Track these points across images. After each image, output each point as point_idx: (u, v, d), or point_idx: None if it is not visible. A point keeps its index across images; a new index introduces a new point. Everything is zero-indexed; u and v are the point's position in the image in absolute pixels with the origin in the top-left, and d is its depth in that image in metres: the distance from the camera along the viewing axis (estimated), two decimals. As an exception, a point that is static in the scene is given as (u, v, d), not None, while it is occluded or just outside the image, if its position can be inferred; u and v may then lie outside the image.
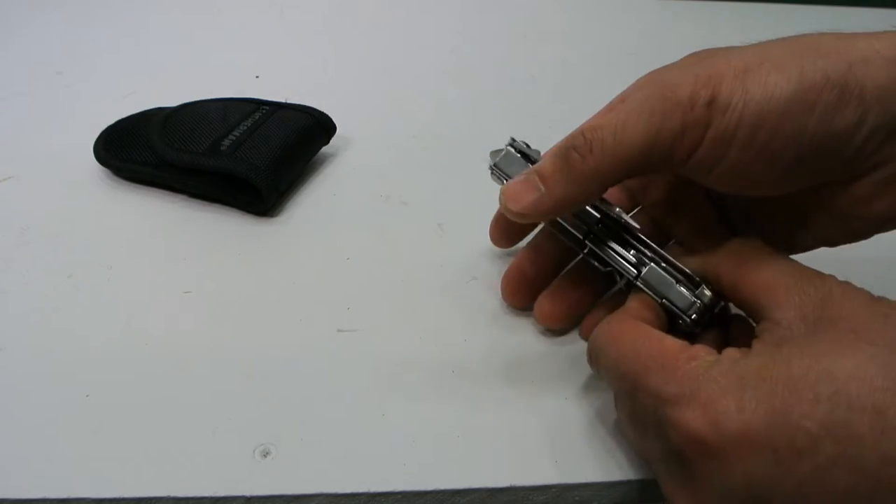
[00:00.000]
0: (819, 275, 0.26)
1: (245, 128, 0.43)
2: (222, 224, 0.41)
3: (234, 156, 0.40)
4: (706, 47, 0.33)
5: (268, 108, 0.45)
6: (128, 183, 0.43)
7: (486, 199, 0.43)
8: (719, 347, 0.26)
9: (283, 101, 0.46)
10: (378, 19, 0.64)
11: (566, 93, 0.53)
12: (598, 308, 0.34)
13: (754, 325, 0.27)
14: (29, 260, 0.38)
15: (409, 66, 0.57)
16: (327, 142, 0.46)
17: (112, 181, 0.44)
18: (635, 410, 0.26)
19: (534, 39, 0.60)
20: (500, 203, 0.30)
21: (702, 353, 0.25)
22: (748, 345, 0.25)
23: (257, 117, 0.44)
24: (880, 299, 0.25)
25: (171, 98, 0.46)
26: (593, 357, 0.29)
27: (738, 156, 0.27)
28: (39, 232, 0.40)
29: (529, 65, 0.56)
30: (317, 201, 0.43)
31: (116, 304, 0.35)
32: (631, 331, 0.27)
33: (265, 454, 0.29)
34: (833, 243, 0.31)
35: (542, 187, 0.29)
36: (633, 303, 0.30)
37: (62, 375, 0.32)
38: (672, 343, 0.26)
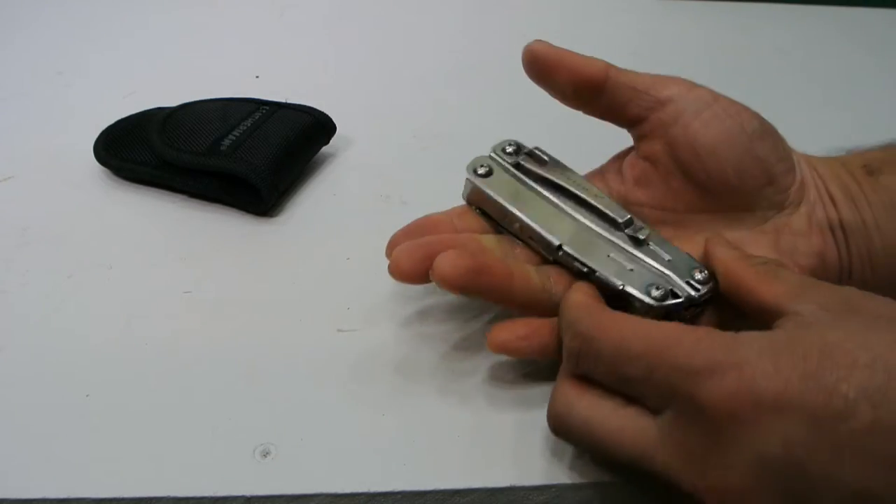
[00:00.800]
0: (839, 285, 0.26)
1: (245, 128, 0.43)
2: (222, 224, 0.41)
3: (234, 156, 0.40)
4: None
5: (268, 108, 0.45)
6: (128, 183, 0.43)
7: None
8: None
9: (283, 101, 0.46)
10: (378, 19, 0.64)
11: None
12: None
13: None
14: (29, 260, 0.38)
15: (409, 66, 0.57)
16: (327, 142, 0.46)
17: (112, 181, 0.44)
18: (647, 391, 0.25)
19: (534, 39, 0.60)
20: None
21: (714, 331, 0.25)
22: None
23: (257, 117, 0.44)
24: None
25: (171, 98, 0.46)
26: (581, 353, 0.27)
27: None
28: (39, 232, 0.40)
29: (529, 65, 0.56)
30: (317, 201, 0.43)
31: (116, 304, 0.35)
32: (623, 317, 0.27)
33: (265, 454, 0.29)
34: None
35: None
36: (582, 296, 0.29)
37: (62, 375, 0.32)
38: (676, 325, 0.26)
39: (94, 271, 0.37)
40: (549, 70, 0.33)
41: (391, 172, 0.45)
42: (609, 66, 0.33)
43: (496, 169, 0.35)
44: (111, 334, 0.34)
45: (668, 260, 0.31)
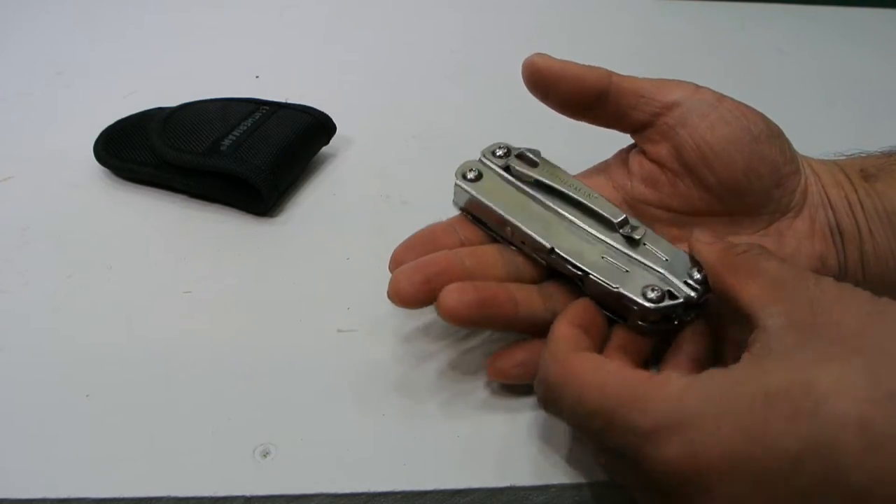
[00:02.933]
0: (814, 276, 0.26)
1: (245, 128, 0.43)
2: (222, 224, 0.41)
3: (234, 156, 0.40)
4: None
5: (268, 108, 0.45)
6: (128, 183, 0.43)
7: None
8: (705, 359, 0.27)
9: (283, 101, 0.46)
10: (378, 19, 0.64)
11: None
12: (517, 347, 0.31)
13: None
14: (29, 260, 0.38)
15: (409, 66, 0.57)
16: (327, 142, 0.46)
17: (112, 181, 0.44)
18: (608, 446, 0.25)
19: (534, 39, 0.60)
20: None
21: (673, 377, 0.24)
22: (738, 356, 0.25)
23: (257, 117, 0.44)
24: (880, 299, 0.24)
25: (171, 98, 0.46)
26: (548, 401, 0.27)
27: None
28: (39, 232, 0.40)
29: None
30: (317, 201, 0.43)
31: (116, 304, 0.35)
32: (587, 363, 0.26)
33: (265, 454, 0.29)
34: None
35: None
36: (564, 329, 0.28)
37: (62, 375, 0.32)
38: (636, 372, 0.25)
39: (94, 271, 0.37)
40: (551, 83, 0.33)
41: (391, 172, 0.45)
42: (611, 73, 0.33)
43: (486, 173, 0.34)
44: (111, 334, 0.34)
45: (665, 260, 0.31)
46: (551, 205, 0.33)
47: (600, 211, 0.32)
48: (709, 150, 0.31)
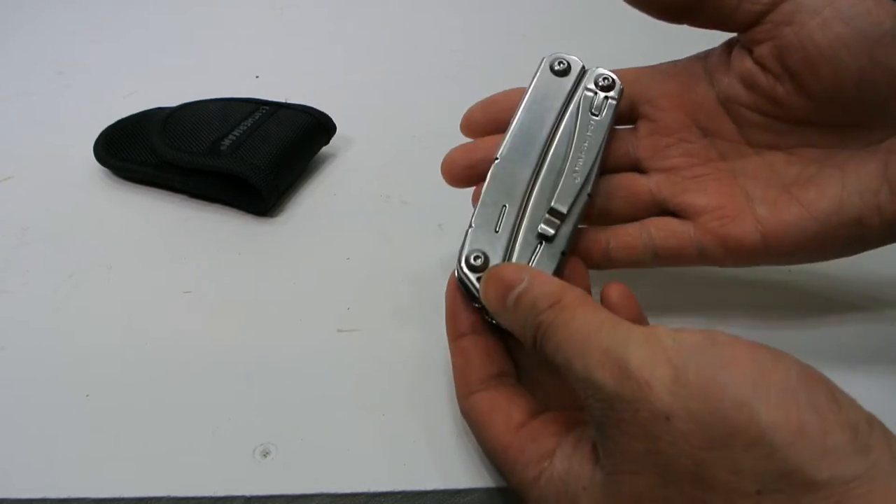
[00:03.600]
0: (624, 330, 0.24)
1: (245, 128, 0.43)
2: (222, 224, 0.41)
3: (234, 156, 0.40)
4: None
5: (268, 108, 0.45)
6: (128, 183, 0.43)
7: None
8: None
9: (283, 101, 0.46)
10: (378, 19, 0.64)
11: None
12: None
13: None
14: (29, 260, 0.38)
15: (410, 66, 0.57)
16: (327, 142, 0.46)
17: (112, 181, 0.44)
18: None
19: (534, 39, 0.60)
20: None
21: (536, 455, 0.25)
22: None
23: (257, 117, 0.44)
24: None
25: (171, 98, 0.46)
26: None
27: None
28: (39, 232, 0.40)
29: (529, 65, 0.56)
30: (317, 201, 0.43)
31: (116, 304, 0.35)
32: (482, 406, 0.27)
33: (265, 454, 0.29)
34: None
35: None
36: (461, 367, 0.29)
37: (62, 375, 0.32)
38: (512, 438, 0.26)
39: (94, 271, 0.37)
40: None
41: (391, 172, 0.45)
42: None
43: None
44: (111, 334, 0.34)
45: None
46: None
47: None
48: (816, 52, 0.28)
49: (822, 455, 0.19)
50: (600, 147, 0.31)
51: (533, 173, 0.31)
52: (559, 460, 0.24)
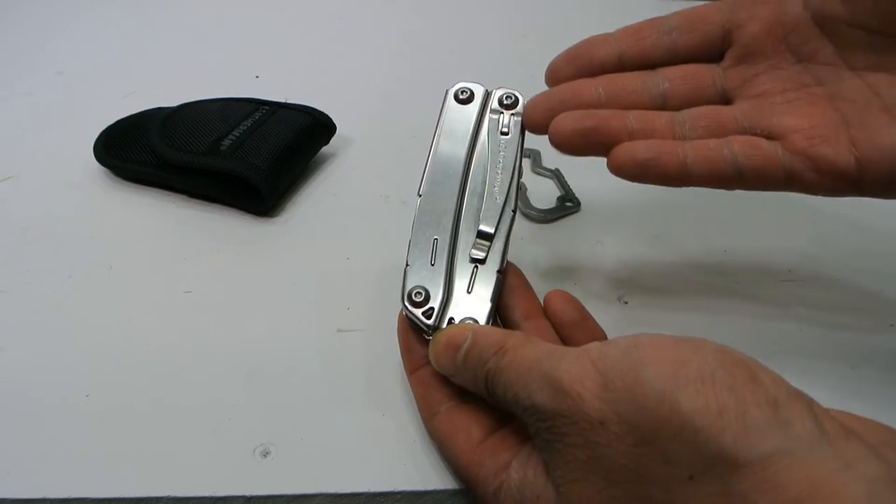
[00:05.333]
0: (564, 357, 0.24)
1: (245, 128, 0.43)
2: (222, 224, 0.41)
3: (234, 156, 0.40)
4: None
5: (268, 108, 0.45)
6: (128, 183, 0.43)
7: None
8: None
9: (283, 101, 0.46)
10: (378, 19, 0.64)
11: (566, 93, 0.52)
12: None
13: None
14: (29, 260, 0.38)
15: (410, 66, 0.57)
16: (327, 142, 0.46)
17: (112, 181, 0.44)
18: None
19: (534, 39, 0.60)
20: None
21: (494, 469, 0.25)
22: None
23: (257, 117, 0.44)
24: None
25: (171, 98, 0.46)
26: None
27: None
28: (39, 232, 0.40)
29: (529, 64, 0.56)
30: (317, 201, 0.43)
31: (116, 304, 0.35)
32: (444, 427, 0.28)
33: (265, 454, 0.29)
34: None
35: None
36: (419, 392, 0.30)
37: (62, 375, 0.32)
38: (472, 455, 0.26)
39: (94, 271, 0.37)
40: None
41: (391, 172, 0.45)
42: None
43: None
44: (111, 334, 0.34)
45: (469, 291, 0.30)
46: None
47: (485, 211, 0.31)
48: None
49: (743, 433, 0.19)
50: (515, 164, 0.32)
51: (457, 202, 0.31)
52: (514, 471, 0.25)
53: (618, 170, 0.29)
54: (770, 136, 0.29)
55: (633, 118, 0.30)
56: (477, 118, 0.33)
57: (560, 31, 0.64)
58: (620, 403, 0.21)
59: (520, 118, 0.32)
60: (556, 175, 0.44)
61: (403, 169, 0.46)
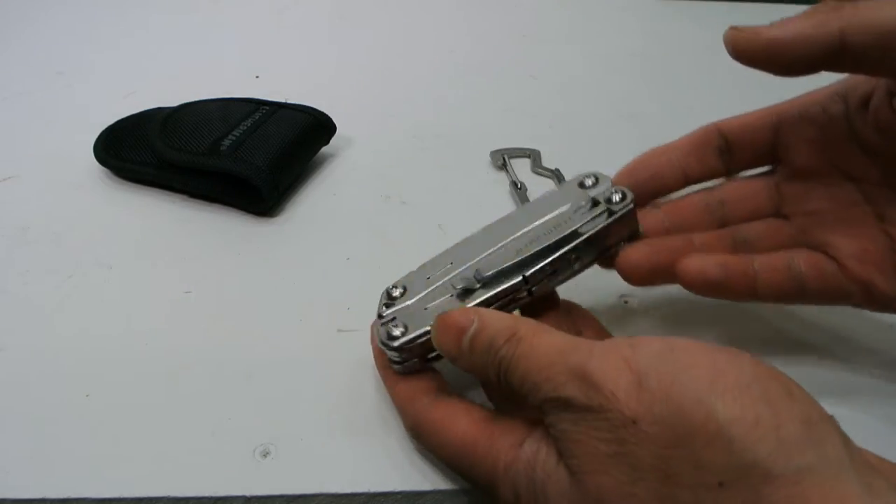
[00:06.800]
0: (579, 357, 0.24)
1: (245, 128, 0.43)
2: (222, 224, 0.41)
3: (234, 156, 0.40)
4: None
5: (268, 108, 0.45)
6: (128, 183, 0.43)
7: (486, 199, 0.43)
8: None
9: (283, 101, 0.46)
10: (378, 19, 0.64)
11: (566, 92, 0.53)
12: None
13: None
14: (29, 260, 0.38)
15: (409, 66, 0.57)
16: (327, 142, 0.46)
17: (112, 181, 0.44)
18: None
19: (534, 39, 0.60)
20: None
21: (507, 444, 0.25)
22: None
23: (257, 117, 0.44)
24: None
25: (171, 98, 0.46)
26: (416, 439, 0.29)
27: None
28: (39, 232, 0.40)
29: (529, 65, 0.56)
30: (317, 201, 0.43)
31: (116, 304, 0.35)
32: (442, 415, 0.27)
33: (265, 454, 0.29)
34: None
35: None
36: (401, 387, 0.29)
37: (62, 375, 0.32)
38: (480, 431, 0.26)
39: (94, 271, 0.37)
40: (759, 60, 0.30)
41: (391, 172, 0.45)
42: (841, 26, 0.26)
43: None
44: (111, 334, 0.34)
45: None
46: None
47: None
48: None
49: (778, 446, 0.20)
50: (565, 242, 0.29)
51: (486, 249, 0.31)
52: (528, 446, 0.25)
53: (689, 287, 0.31)
54: (827, 254, 0.31)
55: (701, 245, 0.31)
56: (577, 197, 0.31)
57: (560, 31, 0.64)
58: (655, 404, 0.21)
59: (613, 213, 0.30)
60: (556, 175, 0.44)
61: (403, 169, 0.46)
